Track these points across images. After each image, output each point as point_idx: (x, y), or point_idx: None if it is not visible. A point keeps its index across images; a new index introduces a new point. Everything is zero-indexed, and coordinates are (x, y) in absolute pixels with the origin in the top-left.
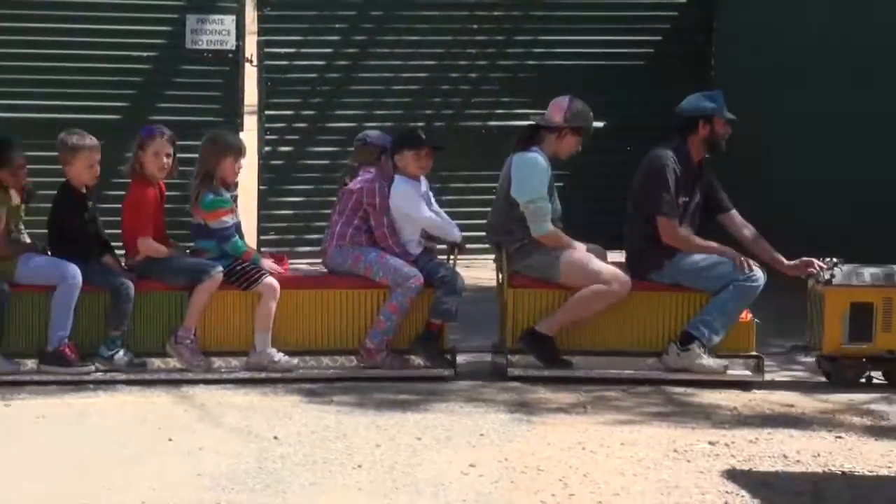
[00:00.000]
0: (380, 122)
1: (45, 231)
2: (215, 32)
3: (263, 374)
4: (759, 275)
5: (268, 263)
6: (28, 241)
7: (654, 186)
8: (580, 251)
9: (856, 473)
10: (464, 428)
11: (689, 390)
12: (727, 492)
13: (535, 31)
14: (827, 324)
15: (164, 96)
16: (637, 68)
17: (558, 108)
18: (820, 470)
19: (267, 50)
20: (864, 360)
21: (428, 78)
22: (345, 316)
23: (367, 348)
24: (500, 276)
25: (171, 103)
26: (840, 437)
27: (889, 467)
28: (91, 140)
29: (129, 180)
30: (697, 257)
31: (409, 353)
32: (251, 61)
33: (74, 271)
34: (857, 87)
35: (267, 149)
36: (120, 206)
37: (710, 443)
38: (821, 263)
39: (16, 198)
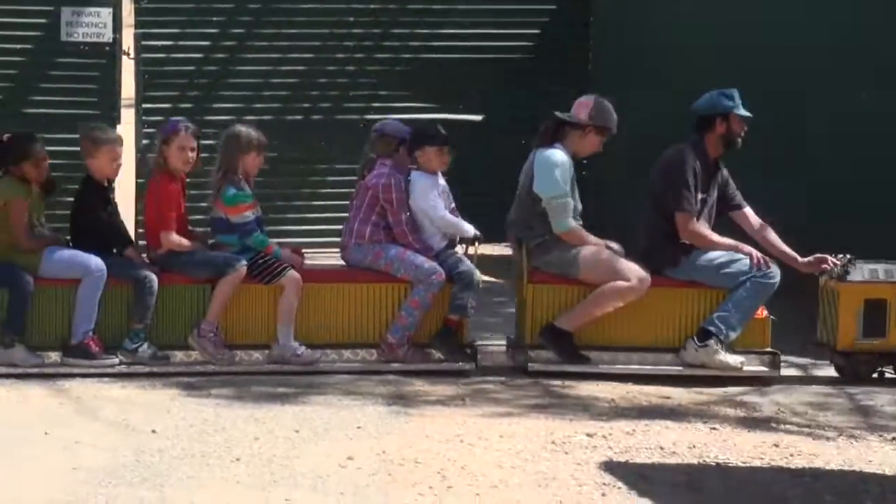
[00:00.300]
0: (258, 116)
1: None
2: (91, 25)
3: (141, 368)
4: (776, 271)
5: (289, 255)
6: (49, 233)
7: (674, 183)
8: (600, 248)
9: (730, 464)
10: (341, 420)
11: (568, 382)
12: (604, 483)
13: (412, 24)
14: (841, 320)
15: (40, 89)
16: (514, 61)
17: (584, 106)
18: (695, 461)
19: (144, 42)
20: (878, 355)
21: (306, 71)
22: (367, 310)
23: (389, 343)
24: (519, 271)
25: (46, 96)
26: (715, 429)
27: (761, 458)
28: (114, 133)
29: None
30: (714, 254)
31: (430, 348)
32: (128, 54)
33: (99, 264)
34: (734, 83)
35: (145, 142)
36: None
37: (588, 434)
38: (834, 260)
39: (37, 191)
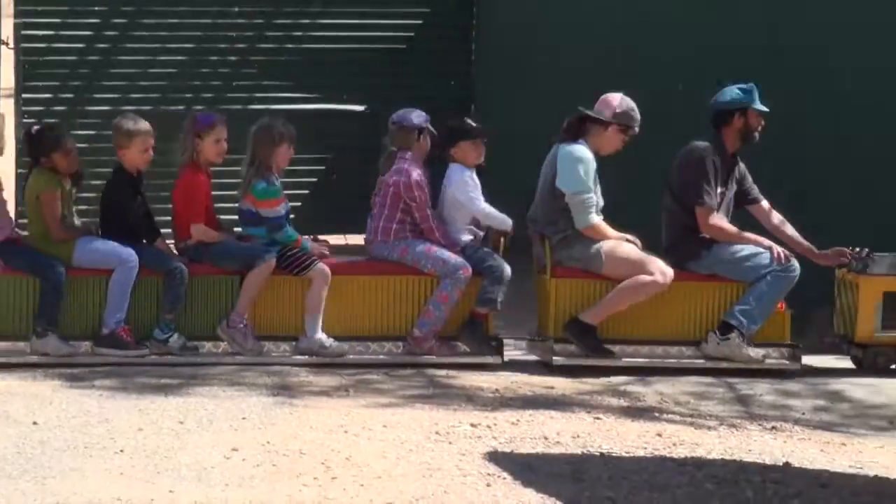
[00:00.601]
0: (137, 106)
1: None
2: None
3: (21, 359)
4: (796, 265)
5: (317, 247)
6: (79, 224)
7: (695, 177)
8: (622, 242)
9: (613, 454)
10: (226, 412)
11: (452, 373)
12: (489, 474)
13: (295, 14)
14: (860, 312)
15: None
16: (398, 51)
17: (608, 104)
18: (579, 451)
19: (24, 32)
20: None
21: (188, 61)
22: (394, 302)
23: (415, 336)
24: (541, 265)
25: None
26: (598, 419)
27: (645, 448)
28: (145, 125)
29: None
30: (735, 247)
31: (456, 340)
32: (7, 44)
33: (132, 255)
34: (626, 71)
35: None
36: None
37: (473, 425)
38: (852, 253)
39: (67, 182)
